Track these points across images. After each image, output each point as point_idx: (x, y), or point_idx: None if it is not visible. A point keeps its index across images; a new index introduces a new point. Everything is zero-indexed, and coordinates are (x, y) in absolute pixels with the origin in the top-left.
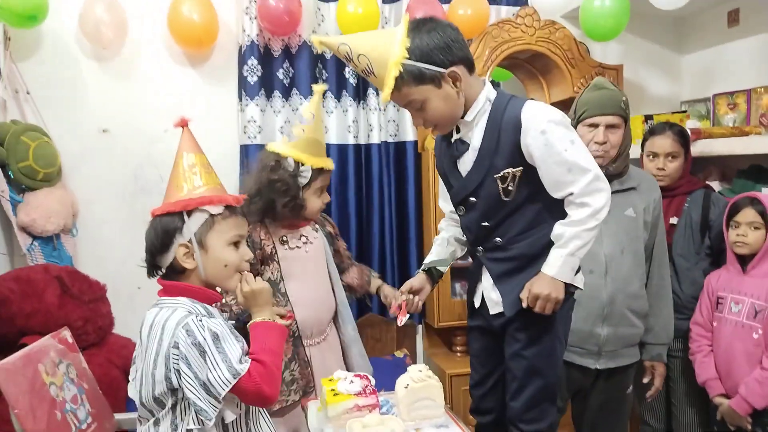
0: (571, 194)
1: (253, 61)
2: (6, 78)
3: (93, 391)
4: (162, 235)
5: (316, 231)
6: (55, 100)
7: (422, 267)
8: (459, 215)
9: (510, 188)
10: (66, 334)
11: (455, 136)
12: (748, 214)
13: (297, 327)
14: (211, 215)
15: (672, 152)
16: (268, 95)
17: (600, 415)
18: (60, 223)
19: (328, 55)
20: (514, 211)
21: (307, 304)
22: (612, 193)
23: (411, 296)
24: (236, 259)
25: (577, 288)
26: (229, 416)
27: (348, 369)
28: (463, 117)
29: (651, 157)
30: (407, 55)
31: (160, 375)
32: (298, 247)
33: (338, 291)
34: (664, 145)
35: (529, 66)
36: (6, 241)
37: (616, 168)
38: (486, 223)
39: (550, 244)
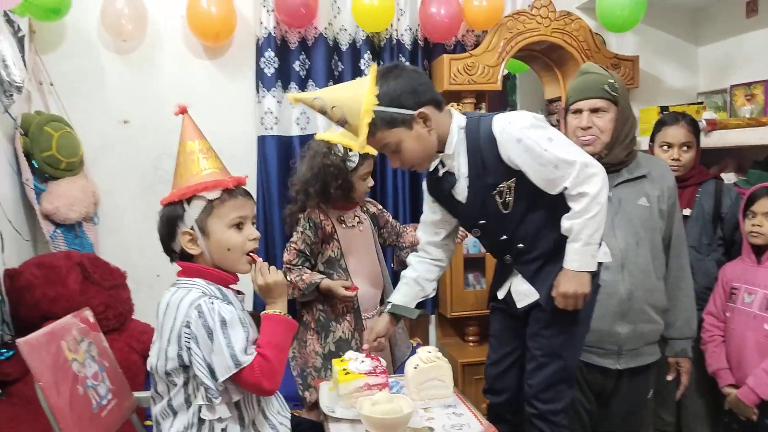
0: (566, 188)
1: (270, 53)
2: (30, 70)
3: (113, 369)
4: (166, 224)
5: (365, 213)
6: (78, 91)
7: (388, 309)
8: (476, 237)
9: (508, 200)
10: (88, 314)
11: (441, 170)
12: (764, 204)
13: (357, 300)
14: (209, 201)
15: (686, 142)
16: (285, 87)
17: (620, 419)
18: (82, 212)
19: (343, 48)
20: (524, 216)
21: (365, 278)
22: (622, 182)
23: (378, 341)
24: (239, 241)
25: (601, 264)
26: (235, 396)
27: (391, 343)
28: (443, 151)
29: (665, 147)
30: (377, 102)
31: (173, 352)
32: (353, 226)
33: (384, 268)
34: (678, 135)
35: (544, 58)
36: (30, 229)
37: (615, 156)
38: (504, 237)
39: None
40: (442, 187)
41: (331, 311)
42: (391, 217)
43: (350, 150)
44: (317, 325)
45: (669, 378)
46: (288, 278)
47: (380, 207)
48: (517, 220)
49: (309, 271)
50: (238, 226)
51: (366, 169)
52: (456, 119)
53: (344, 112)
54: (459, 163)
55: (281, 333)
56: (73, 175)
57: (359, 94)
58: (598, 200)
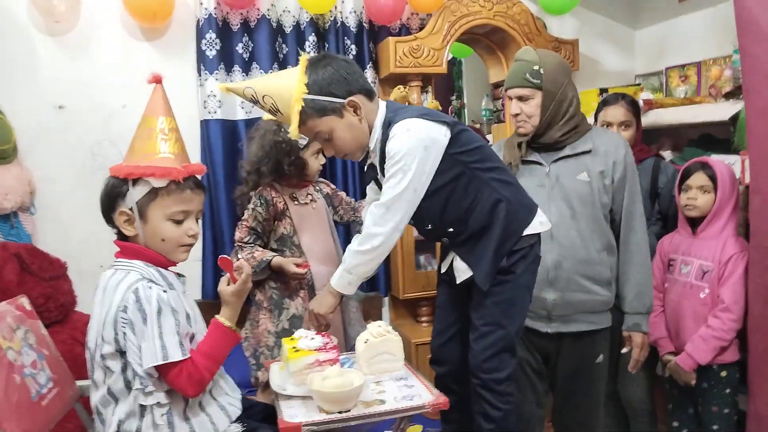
0: (370, 210)
1: (211, 35)
2: None
3: (53, 357)
4: (107, 196)
5: (318, 192)
6: (8, 76)
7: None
8: (411, 224)
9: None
10: (23, 301)
11: (368, 162)
12: (698, 179)
13: (312, 277)
14: (154, 188)
15: (625, 121)
16: (228, 69)
17: (570, 384)
18: (17, 201)
19: (287, 29)
20: (444, 206)
21: (318, 256)
22: (562, 159)
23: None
24: (175, 234)
25: (537, 235)
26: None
27: (344, 322)
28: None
29: (605, 126)
30: (306, 91)
31: (109, 336)
32: (305, 203)
33: (338, 247)
34: (617, 115)
35: (487, 41)
36: None
37: (550, 137)
38: (430, 226)
39: (492, 209)
40: (369, 177)
41: (285, 288)
42: (345, 195)
43: None
44: (270, 303)
45: (624, 351)
46: (239, 256)
47: (333, 186)
48: (437, 210)
49: (260, 249)
50: (179, 220)
51: (317, 146)
52: (380, 114)
53: (275, 101)
54: (377, 157)
55: (222, 346)
56: (7, 163)
57: (289, 84)
58: (374, 247)
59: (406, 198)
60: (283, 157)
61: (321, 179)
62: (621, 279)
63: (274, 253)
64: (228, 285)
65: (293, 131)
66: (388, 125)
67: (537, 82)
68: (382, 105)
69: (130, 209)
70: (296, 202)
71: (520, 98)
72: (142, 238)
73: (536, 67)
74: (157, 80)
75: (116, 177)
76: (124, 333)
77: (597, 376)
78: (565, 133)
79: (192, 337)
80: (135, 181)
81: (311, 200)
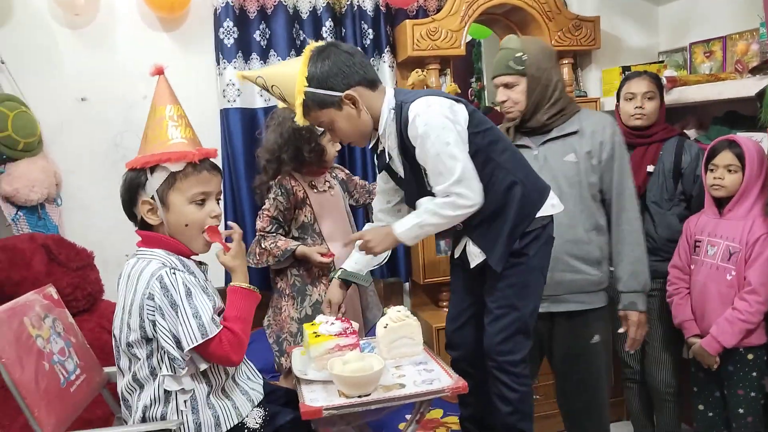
0: (438, 189)
1: (228, 24)
2: None
3: (81, 344)
4: (128, 189)
5: (334, 178)
6: (31, 69)
7: (338, 275)
8: None
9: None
10: (51, 290)
11: (378, 148)
12: (725, 157)
13: (334, 264)
14: (172, 173)
15: (648, 92)
16: (246, 58)
17: (568, 365)
18: (44, 193)
19: (304, 16)
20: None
21: (339, 241)
22: (549, 141)
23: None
24: (198, 217)
25: (550, 216)
26: (202, 365)
27: (363, 305)
28: (377, 130)
29: (629, 97)
30: (306, 84)
31: (134, 324)
32: (324, 190)
33: (356, 231)
34: (641, 86)
35: (506, 20)
36: None
37: (537, 120)
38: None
39: (506, 191)
40: (382, 162)
41: (307, 275)
42: (359, 178)
43: None
44: (292, 290)
45: (620, 331)
46: (263, 245)
47: (347, 171)
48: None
49: (283, 237)
50: (200, 201)
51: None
52: (387, 100)
53: (281, 90)
54: (390, 142)
55: (248, 306)
56: (33, 155)
57: (293, 75)
58: (445, 213)
59: (466, 165)
60: (303, 144)
61: (336, 165)
62: (615, 259)
63: (297, 242)
64: (225, 254)
65: (298, 119)
66: (399, 109)
67: (521, 68)
68: (390, 91)
69: (152, 198)
70: (315, 190)
71: (506, 85)
72: (166, 226)
73: (519, 54)
74: (159, 72)
75: (134, 169)
76: (153, 321)
77: (594, 356)
78: (552, 116)
79: (220, 312)
80: (152, 170)
81: (329, 187)
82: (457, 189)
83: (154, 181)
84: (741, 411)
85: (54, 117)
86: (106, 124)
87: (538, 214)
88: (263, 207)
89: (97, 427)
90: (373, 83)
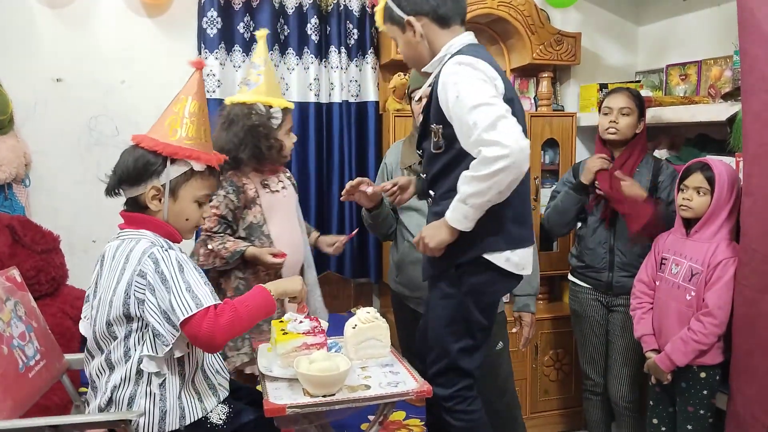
0: (470, 146)
1: (212, 13)
2: None
3: (42, 330)
4: (140, 169)
5: (289, 179)
6: (6, 46)
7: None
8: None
9: (440, 144)
10: (14, 273)
11: (418, 94)
12: (696, 179)
13: (280, 270)
14: (192, 170)
15: (624, 108)
16: (228, 49)
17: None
18: (12, 172)
19: (289, 11)
20: (444, 169)
21: (287, 245)
22: None
23: (392, 188)
24: (197, 215)
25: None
26: (178, 352)
27: (310, 311)
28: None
29: (606, 112)
30: None
31: (118, 301)
32: (277, 190)
33: (305, 236)
34: (618, 101)
35: (490, 30)
36: None
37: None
38: (424, 174)
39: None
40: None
41: (253, 278)
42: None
43: (271, 107)
44: (235, 293)
45: (513, 331)
46: (209, 247)
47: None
48: (440, 166)
49: (231, 238)
50: (202, 203)
51: (289, 123)
52: (451, 45)
53: None
54: (431, 98)
55: (261, 307)
56: (2, 134)
57: None
58: (491, 166)
59: (500, 108)
60: (260, 140)
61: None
62: None
63: (248, 243)
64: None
65: (378, 23)
66: (447, 61)
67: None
68: (460, 39)
69: (162, 185)
70: (267, 190)
71: (420, 100)
72: (164, 215)
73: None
74: (200, 66)
75: (153, 151)
76: (141, 299)
77: (498, 363)
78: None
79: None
80: (174, 160)
81: (282, 187)
82: (487, 136)
83: (172, 171)
84: (689, 427)
85: (28, 96)
86: (82, 107)
87: (487, 257)
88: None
89: (55, 414)
90: (443, 20)
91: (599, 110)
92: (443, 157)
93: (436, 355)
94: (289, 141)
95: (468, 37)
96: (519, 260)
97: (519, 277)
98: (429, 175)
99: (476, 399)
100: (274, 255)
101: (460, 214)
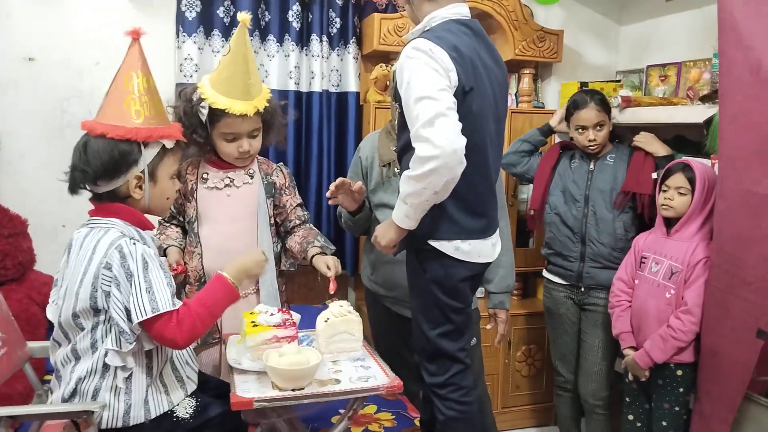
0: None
1: None
2: None
3: (5, 316)
4: (118, 161)
5: (251, 177)
6: None
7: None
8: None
9: (403, 120)
10: None
11: None
12: (677, 180)
13: (204, 273)
14: (164, 147)
15: (599, 122)
16: (207, 33)
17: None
18: None
19: None
20: (406, 146)
21: (216, 251)
22: None
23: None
24: (173, 191)
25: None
26: (147, 345)
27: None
28: None
29: (580, 130)
30: None
31: (85, 293)
32: (218, 188)
33: (264, 244)
34: (590, 117)
35: None
36: None
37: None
38: (393, 147)
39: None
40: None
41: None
42: (293, 205)
43: (202, 100)
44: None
45: (488, 327)
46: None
47: (289, 182)
48: (402, 144)
49: (173, 229)
50: (175, 177)
51: (227, 129)
52: (433, 17)
53: None
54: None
55: (219, 297)
56: None
57: None
58: (423, 166)
59: (445, 101)
60: (188, 132)
61: (280, 166)
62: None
63: (172, 243)
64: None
65: None
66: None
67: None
68: (443, 12)
69: (142, 172)
70: (205, 185)
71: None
72: (146, 200)
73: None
74: (137, 36)
75: (126, 140)
76: (107, 292)
77: (471, 358)
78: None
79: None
80: (146, 144)
81: (227, 185)
82: (423, 132)
83: (147, 155)
84: (664, 424)
85: None
86: (53, 88)
87: (433, 244)
88: None
89: (17, 402)
90: None
91: (567, 120)
92: (406, 133)
93: (420, 344)
94: (227, 147)
95: (453, 10)
96: (471, 249)
97: (479, 264)
98: (397, 150)
99: (472, 391)
100: (172, 264)
101: (402, 213)
